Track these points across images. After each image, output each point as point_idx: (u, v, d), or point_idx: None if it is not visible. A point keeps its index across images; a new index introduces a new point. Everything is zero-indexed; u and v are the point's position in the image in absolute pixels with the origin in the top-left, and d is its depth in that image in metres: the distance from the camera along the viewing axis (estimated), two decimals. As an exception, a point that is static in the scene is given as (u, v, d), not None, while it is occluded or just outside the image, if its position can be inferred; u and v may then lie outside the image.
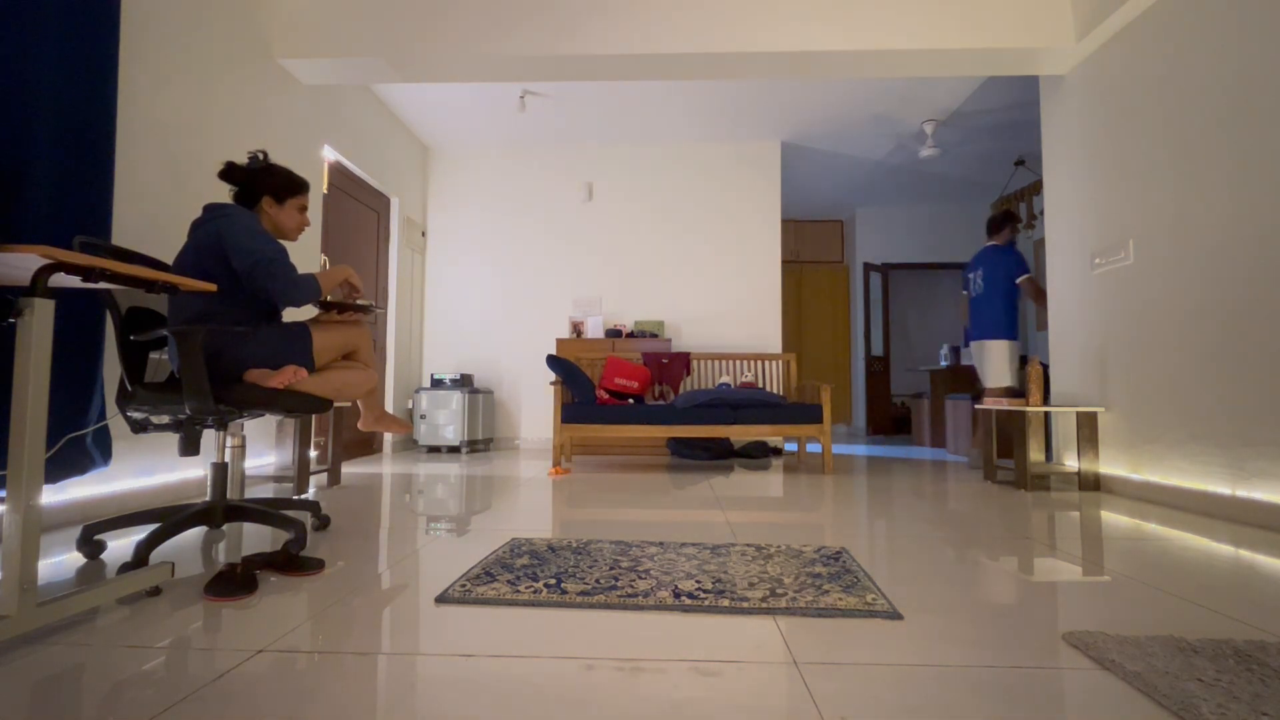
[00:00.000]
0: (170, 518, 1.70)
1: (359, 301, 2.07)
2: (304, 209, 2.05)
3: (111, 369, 2.33)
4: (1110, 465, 3.13)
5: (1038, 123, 4.90)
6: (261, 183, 1.96)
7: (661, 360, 4.63)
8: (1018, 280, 3.93)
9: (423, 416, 4.80)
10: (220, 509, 1.80)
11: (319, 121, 3.87)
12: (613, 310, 5.42)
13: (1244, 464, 2.40)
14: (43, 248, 1.12)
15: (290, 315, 3.34)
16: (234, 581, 1.43)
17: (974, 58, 3.38)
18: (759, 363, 4.93)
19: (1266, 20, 2.33)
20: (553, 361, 4.07)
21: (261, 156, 1.98)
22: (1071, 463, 3.40)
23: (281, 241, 1.98)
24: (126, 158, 2.46)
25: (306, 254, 3.70)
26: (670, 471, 3.82)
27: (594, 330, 5.20)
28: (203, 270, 1.78)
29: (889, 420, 7.01)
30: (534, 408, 5.42)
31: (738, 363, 4.96)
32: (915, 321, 8.12)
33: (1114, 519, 2.42)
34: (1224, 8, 2.51)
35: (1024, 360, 5.41)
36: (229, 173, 1.94)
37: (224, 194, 2.09)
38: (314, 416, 3.16)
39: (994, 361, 3.96)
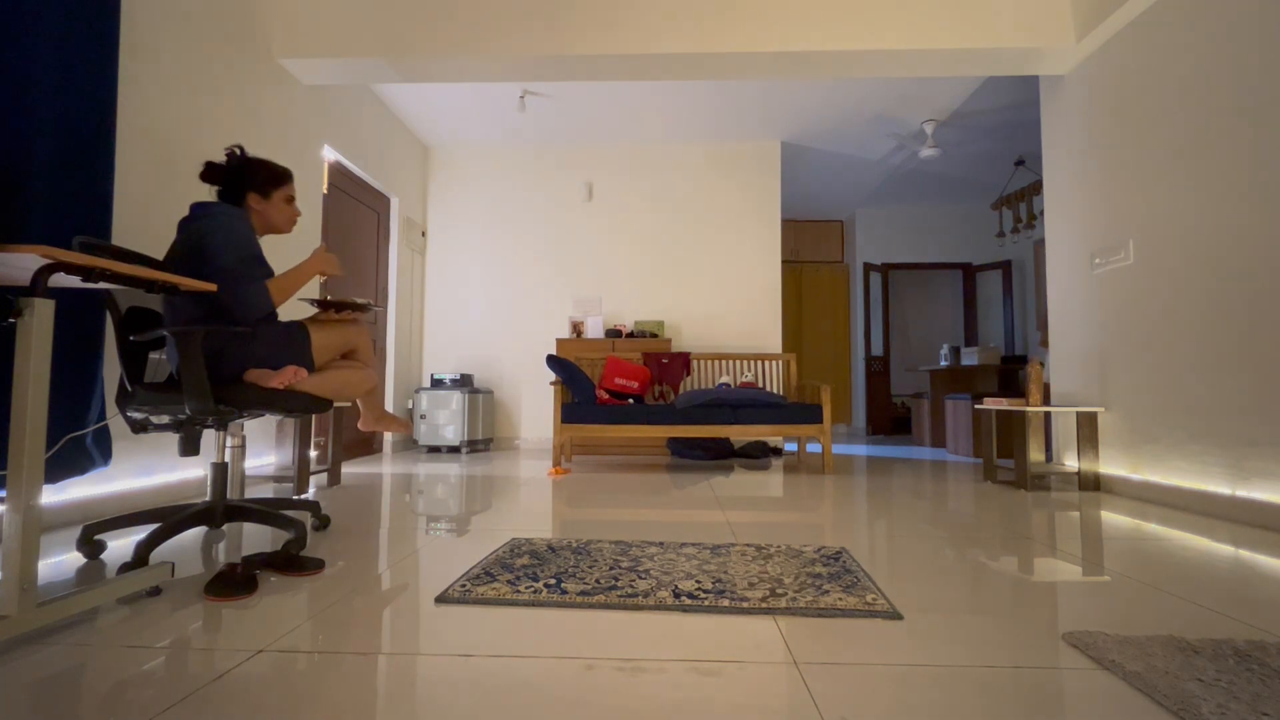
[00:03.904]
0: (170, 518, 1.70)
1: (357, 300, 2.07)
2: (291, 199, 2.01)
3: (111, 369, 2.33)
4: (1110, 465, 3.13)
5: (1038, 123, 4.91)
6: (244, 180, 1.92)
7: (661, 360, 4.63)
8: None
9: (423, 416, 4.80)
10: (220, 509, 1.80)
11: (319, 121, 3.87)
12: (613, 310, 5.42)
13: (1243, 464, 2.40)
14: (43, 248, 1.12)
15: (287, 314, 3.34)
16: (234, 581, 1.43)
17: (974, 58, 3.38)
18: (759, 363, 4.92)
19: (1267, 19, 2.33)
20: (553, 361, 4.07)
21: (239, 152, 1.93)
22: (1071, 463, 3.40)
23: (276, 235, 1.97)
24: (127, 158, 2.46)
25: (307, 254, 3.70)
26: (670, 471, 3.82)
27: (594, 330, 5.20)
28: (188, 270, 1.77)
29: (889, 420, 7.01)
30: (534, 408, 5.42)
31: (738, 363, 4.96)
32: (915, 321, 8.12)
33: (1114, 519, 2.42)
34: (1224, 7, 2.51)
35: (1024, 360, 5.42)
36: (209, 174, 1.90)
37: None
38: (314, 416, 3.16)
39: None
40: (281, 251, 3.41)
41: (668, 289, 5.42)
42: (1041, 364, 3.28)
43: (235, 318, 1.80)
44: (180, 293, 1.68)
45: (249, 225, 1.87)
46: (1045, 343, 6.15)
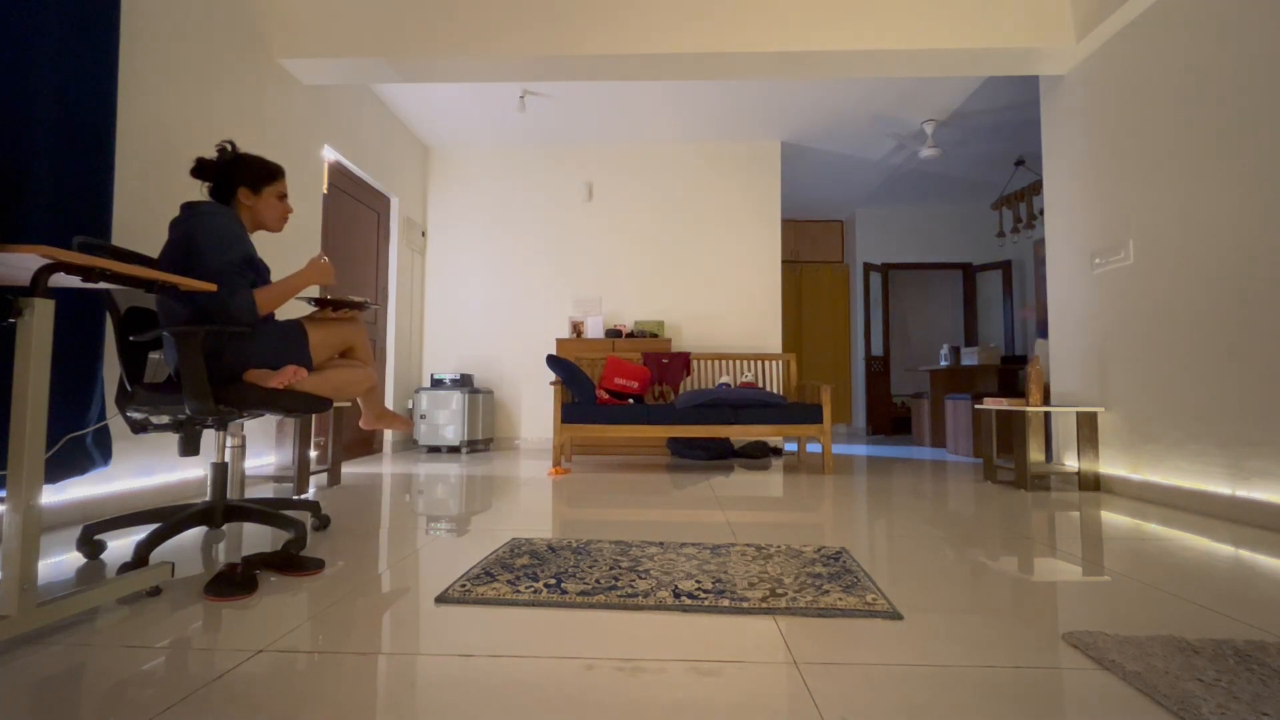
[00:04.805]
0: (170, 518, 1.70)
1: (354, 298, 2.06)
2: (283, 196, 2.00)
3: (111, 369, 2.33)
4: (1110, 465, 3.13)
5: (1038, 123, 4.91)
6: (235, 175, 1.90)
7: (661, 360, 4.63)
8: None
9: (423, 416, 4.80)
10: (220, 509, 1.80)
11: (319, 121, 3.87)
12: (613, 310, 5.42)
13: (1243, 464, 2.40)
14: (43, 248, 1.12)
15: (284, 313, 3.34)
16: (234, 581, 1.43)
17: (974, 58, 3.38)
18: (759, 363, 4.92)
19: (1267, 19, 2.33)
20: (553, 361, 4.07)
21: (230, 148, 1.92)
22: (1071, 463, 3.40)
23: (266, 233, 1.96)
24: (127, 158, 2.46)
25: (307, 254, 3.70)
26: (670, 471, 3.82)
27: (594, 330, 5.20)
28: (178, 271, 1.76)
29: (889, 420, 7.01)
30: (534, 408, 5.42)
31: (738, 363, 4.96)
32: (915, 321, 8.12)
33: (1114, 519, 2.42)
34: (1224, 7, 2.51)
35: (1024, 360, 5.42)
36: (201, 169, 1.89)
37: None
38: (314, 416, 3.16)
39: None
40: (281, 251, 3.41)
41: (668, 289, 5.42)
42: (1031, 358, 3.29)
43: (221, 322, 1.79)
44: (175, 293, 1.68)
45: (239, 223, 1.85)
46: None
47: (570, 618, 1.29)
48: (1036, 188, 5.48)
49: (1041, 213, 5.39)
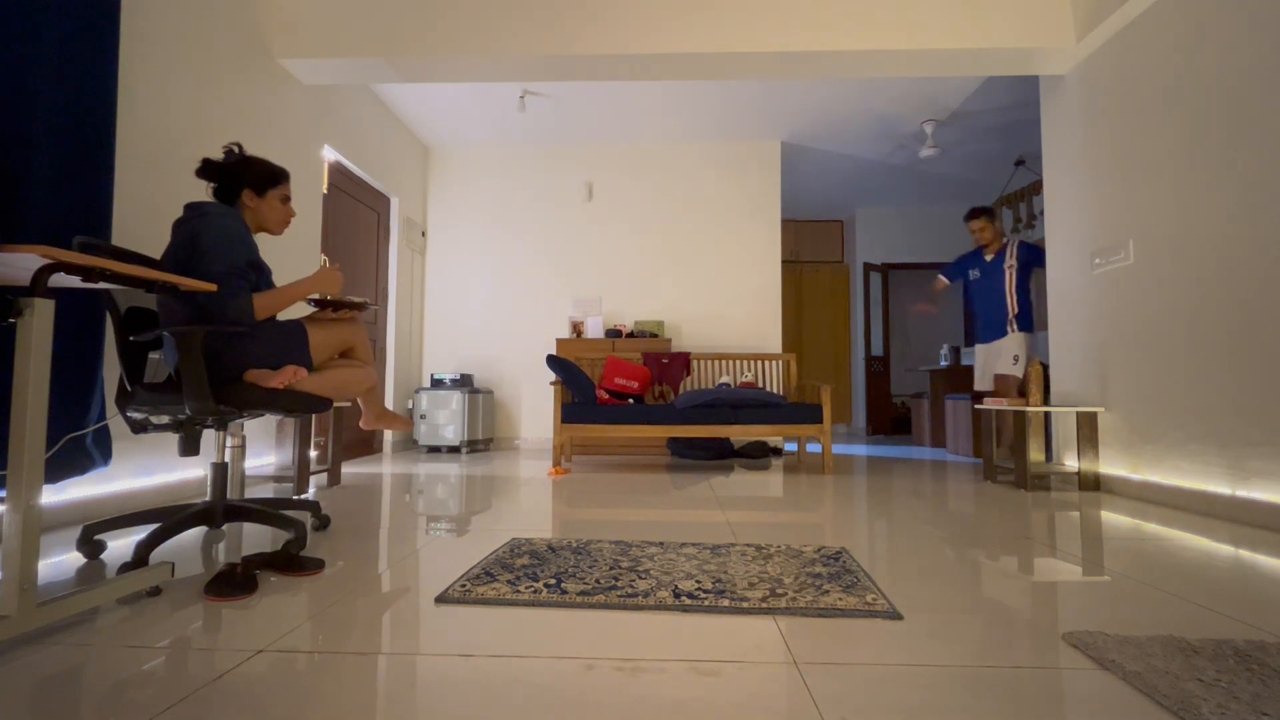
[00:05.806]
0: (170, 518, 1.70)
1: (354, 299, 2.06)
2: (286, 200, 2.00)
3: (111, 369, 2.33)
4: (1110, 465, 3.13)
5: (1038, 123, 4.89)
6: (240, 177, 1.91)
7: (661, 360, 4.63)
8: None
9: (423, 416, 4.80)
10: (220, 509, 1.80)
11: (319, 121, 3.87)
12: (613, 310, 5.42)
13: (1244, 464, 2.40)
14: (43, 248, 1.12)
15: (284, 313, 3.33)
16: (234, 581, 1.43)
17: (974, 58, 3.38)
18: (759, 363, 4.92)
19: (1267, 19, 2.33)
20: (553, 361, 4.07)
21: (237, 149, 1.93)
22: (1071, 463, 3.40)
23: (267, 234, 1.96)
24: (126, 158, 2.46)
25: (306, 254, 3.70)
26: (670, 471, 3.82)
27: (594, 330, 5.19)
28: (180, 272, 1.76)
29: (889, 420, 7.01)
30: (534, 408, 5.42)
31: (738, 363, 4.95)
32: (915, 321, 8.11)
33: (1114, 519, 2.42)
34: (1224, 7, 2.51)
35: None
36: (206, 170, 1.89)
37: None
38: (314, 416, 3.16)
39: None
40: (281, 252, 3.41)
41: (668, 289, 5.42)
42: (1042, 364, 3.29)
43: (220, 323, 1.79)
44: (175, 293, 1.68)
45: (243, 224, 1.85)
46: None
47: (570, 618, 1.29)
48: (1036, 188, 5.48)
49: (1041, 213, 5.39)
